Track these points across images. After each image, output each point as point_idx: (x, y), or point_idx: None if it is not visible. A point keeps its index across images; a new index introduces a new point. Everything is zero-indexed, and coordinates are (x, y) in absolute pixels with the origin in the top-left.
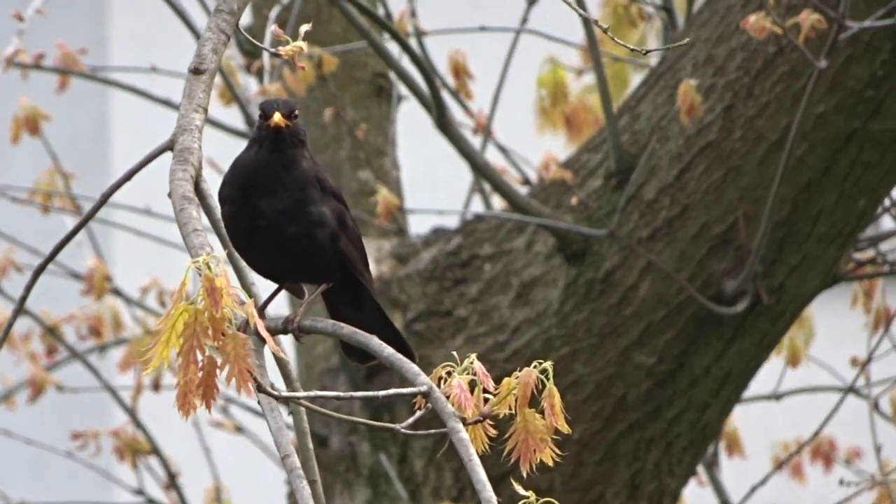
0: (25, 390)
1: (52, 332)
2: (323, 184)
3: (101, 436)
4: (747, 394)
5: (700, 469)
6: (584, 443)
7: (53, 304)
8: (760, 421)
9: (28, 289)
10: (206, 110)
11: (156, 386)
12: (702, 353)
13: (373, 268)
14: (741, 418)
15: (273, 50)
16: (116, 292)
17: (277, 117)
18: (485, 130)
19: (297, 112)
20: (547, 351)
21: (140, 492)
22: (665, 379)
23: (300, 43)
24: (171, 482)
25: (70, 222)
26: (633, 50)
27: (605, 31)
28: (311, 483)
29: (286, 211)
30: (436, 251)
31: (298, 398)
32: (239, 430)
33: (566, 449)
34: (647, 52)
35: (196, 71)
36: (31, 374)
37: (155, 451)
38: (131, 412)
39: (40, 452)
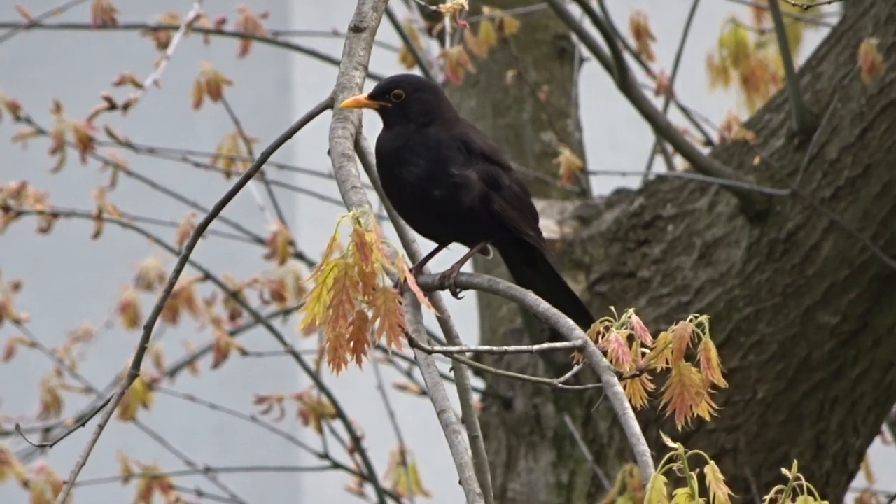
0: (209, 356)
1: (235, 297)
2: (469, 146)
3: (286, 400)
4: None
5: (884, 428)
6: (768, 403)
7: (237, 269)
8: None
9: (189, 248)
10: (366, 68)
11: None
12: (885, 312)
13: (556, 229)
14: None
15: (434, 7)
16: (299, 256)
17: (348, 100)
18: (667, 91)
19: (399, 91)
20: (730, 311)
21: (325, 455)
22: (849, 338)
23: (461, 0)
24: (356, 446)
25: (253, 187)
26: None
27: None
28: (473, 439)
29: (428, 176)
30: (618, 212)
31: (452, 352)
32: (423, 393)
33: (750, 409)
34: (808, 7)
35: (356, 29)
36: (215, 339)
37: (339, 414)
38: (315, 376)
39: (225, 417)
